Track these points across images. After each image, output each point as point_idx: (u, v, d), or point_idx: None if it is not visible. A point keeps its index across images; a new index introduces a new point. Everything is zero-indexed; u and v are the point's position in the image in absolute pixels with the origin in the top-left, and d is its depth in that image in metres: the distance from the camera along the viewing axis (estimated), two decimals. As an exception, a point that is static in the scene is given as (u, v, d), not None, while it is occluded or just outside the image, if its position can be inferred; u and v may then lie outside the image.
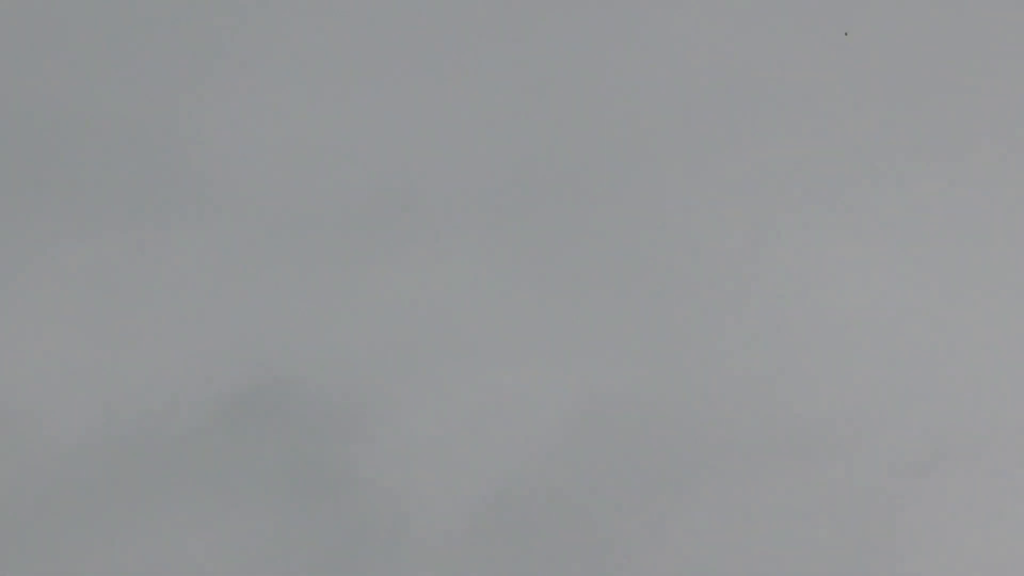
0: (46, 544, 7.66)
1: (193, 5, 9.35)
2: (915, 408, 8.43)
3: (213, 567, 7.49)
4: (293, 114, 9.17)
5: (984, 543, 7.79)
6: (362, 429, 8.18)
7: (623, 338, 8.53)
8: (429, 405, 8.29)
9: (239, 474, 7.95)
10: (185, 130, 9.00)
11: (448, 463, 8.02)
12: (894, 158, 9.05)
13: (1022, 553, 8.03)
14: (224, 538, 7.63)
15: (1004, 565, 7.93)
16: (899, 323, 8.50)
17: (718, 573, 7.69)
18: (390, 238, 8.75)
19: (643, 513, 7.90)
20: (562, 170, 8.99)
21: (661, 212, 8.73)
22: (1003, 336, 8.64)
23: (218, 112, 9.04)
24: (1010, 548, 7.77)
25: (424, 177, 8.94)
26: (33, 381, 8.69)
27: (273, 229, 8.65)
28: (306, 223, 8.70)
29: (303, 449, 8.08)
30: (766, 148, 9.00)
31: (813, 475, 8.05)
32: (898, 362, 8.41)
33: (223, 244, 8.61)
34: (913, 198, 8.93)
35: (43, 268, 8.79)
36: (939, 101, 9.65)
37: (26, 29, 9.76)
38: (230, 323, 8.63)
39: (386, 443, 8.14)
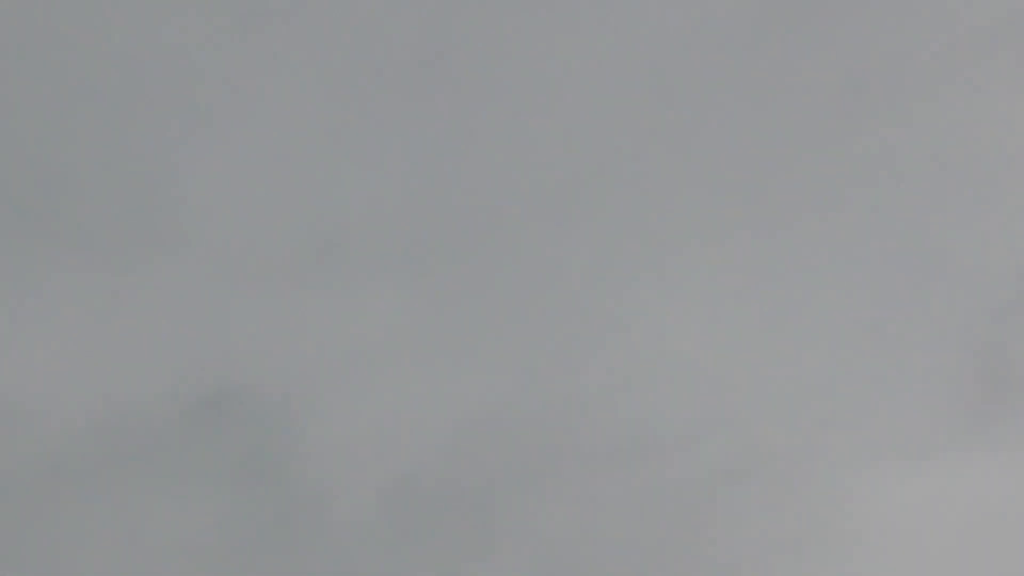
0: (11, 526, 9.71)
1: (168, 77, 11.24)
2: (735, 422, 10.60)
3: (164, 547, 9.59)
4: (248, 173, 11.17)
5: (794, 540, 9.90)
6: (294, 428, 10.29)
7: (506, 358, 10.63)
8: (348, 409, 10.35)
9: (194, 466, 10.12)
10: (161, 185, 11.05)
11: (361, 458, 10.11)
12: (726, 218, 11.10)
13: (824, 550, 10.18)
14: (176, 522, 9.73)
15: (810, 560, 10.08)
16: (724, 353, 10.60)
17: (574, 555, 9.89)
18: (321, 275, 10.84)
19: (516, 503, 10.04)
20: (461, 217, 11.02)
21: (542, 258, 10.78)
22: (811, 364, 10.78)
23: (187, 169, 11.02)
24: (815, 546, 9.86)
25: (350, 225, 11.02)
26: (26, 382, 10.77)
27: (230, 266, 10.68)
28: (255, 261, 10.77)
29: (247, 445, 10.21)
30: (628, 212, 11.07)
31: (650, 475, 10.23)
32: (722, 385, 10.53)
33: (188, 277, 10.64)
34: (742, 246, 11.01)
35: (41, 292, 10.85)
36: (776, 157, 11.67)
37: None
38: (193, 341, 10.74)
39: (312, 440, 10.26)
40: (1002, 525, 10.78)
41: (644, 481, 9.84)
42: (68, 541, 9.75)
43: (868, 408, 10.84)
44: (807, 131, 11.01)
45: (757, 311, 10.78)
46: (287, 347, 10.53)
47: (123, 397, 10.35)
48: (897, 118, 11.19)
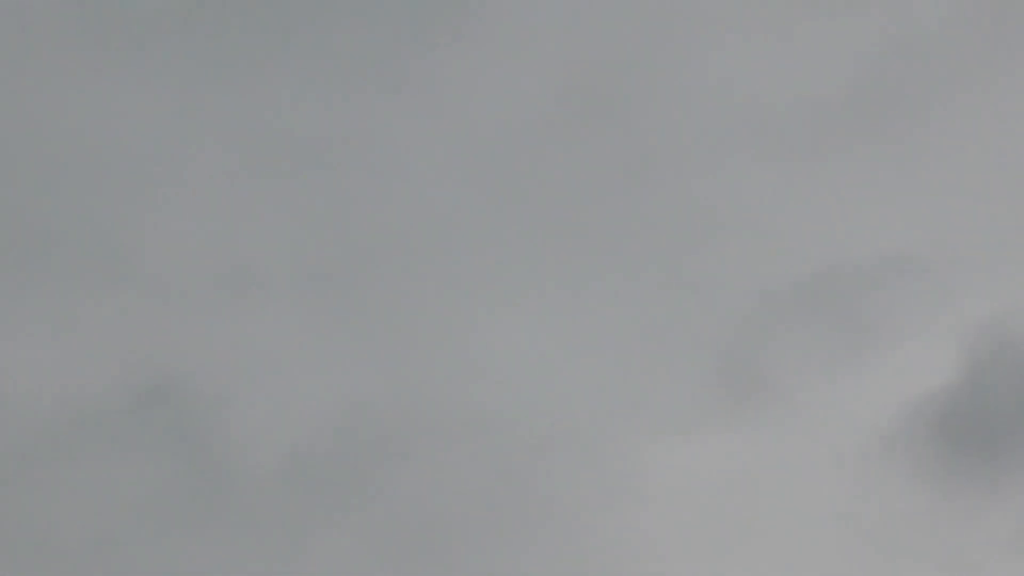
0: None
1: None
2: (546, 407, 14.24)
3: (116, 504, 13.10)
4: (180, 218, 14.60)
5: (591, 496, 13.78)
6: (215, 413, 13.68)
7: (375, 361, 14.12)
8: (255, 397, 13.63)
9: (138, 440, 13.55)
10: (116, 230, 14.57)
11: (266, 435, 13.49)
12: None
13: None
14: (126, 483, 13.13)
15: (605, 512, 13.92)
16: (539, 354, 14.22)
17: (426, 510, 13.59)
18: (237, 296, 14.30)
19: (382, 469, 13.56)
20: (343, 254, 14.59)
21: (405, 286, 14.32)
22: (603, 365, 14.45)
23: (136, 218, 14.53)
24: (608, 501, 13.76)
25: (260, 260, 14.58)
26: (7, 374, 14.11)
27: (168, 289, 14.11)
28: (187, 285, 14.20)
29: (179, 425, 13.55)
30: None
31: (482, 447, 13.81)
32: (537, 379, 14.13)
33: (136, 297, 14.04)
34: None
35: (24, 307, 14.17)
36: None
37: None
38: (139, 345, 14.13)
39: (229, 422, 13.63)
40: (741, 481, 14.65)
41: (477, 451, 13.40)
42: (38, 502, 13.14)
43: (644, 398, 14.56)
44: (600, 201, 14.84)
45: (565, 325, 14.41)
46: (211, 350, 13.89)
47: (85, 387, 13.66)
48: (666, 193, 15.02)
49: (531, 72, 16.14)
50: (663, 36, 16.64)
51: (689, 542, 14.18)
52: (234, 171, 14.68)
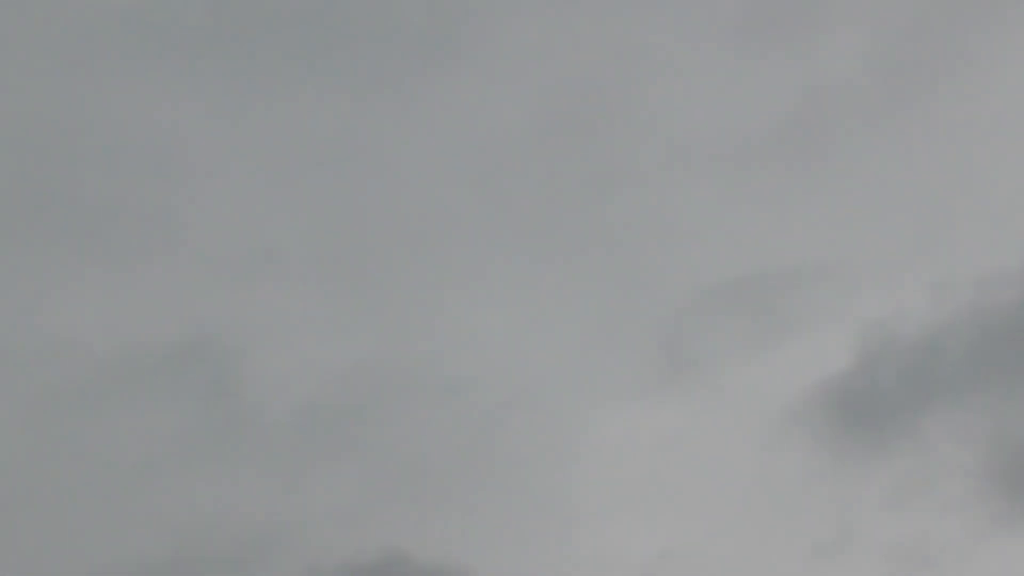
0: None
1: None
2: (511, 374, 17.01)
3: (154, 443, 16.09)
4: (216, 200, 17.75)
5: (545, 454, 16.75)
6: (241, 365, 16.51)
7: (376, 328, 17.02)
8: (277, 354, 16.53)
9: (175, 387, 16.50)
10: (159, 207, 17.78)
11: (285, 386, 16.34)
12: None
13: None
14: (162, 424, 16.11)
15: (557, 468, 16.96)
16: (508, 329, 17.14)
17: (410, 454, 16.48)
18: (263, 267, 17.33)
19: (376, 416, 16.32)
20: (356, 240, 17.71)
21: (403, 269, 17.32)
22: (561, 343, 17.33)
23: (176, 199, 17.76)
24: (560, 457, 16.74)
25: (287, 238, 17.81)
26: (67, 326, 17.14)
27: (202, 259, 17.21)
28: (219, 257, 17.20)
29: (211, 375, 16.42)
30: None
31: (457, 405, 16.60)
32: (503, 348, 17.02)
33: (175, 267, 17.08)
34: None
35: (84, 273, 17.22)
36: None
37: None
38: (177, 307, 17.07)
39: (253, 374, 16.44)
40: (671, 442, 17.48)
41: (452, 405, 16.25)
42: (97, 429, 16.10)
43: (594, 370, 17.31)
44: (568, 205, 18.05)
45: (532, 309, 17.22)
46: (240, 314, 16.78)
47: (136, 338, 16.58)
48: (623, 202, 18.20)
49: (516, 96, 19.67)
50: (627, 74, 20.07)
51: (625, 490, 16.98)
52: (265, 168, 17.94)
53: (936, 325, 18.32)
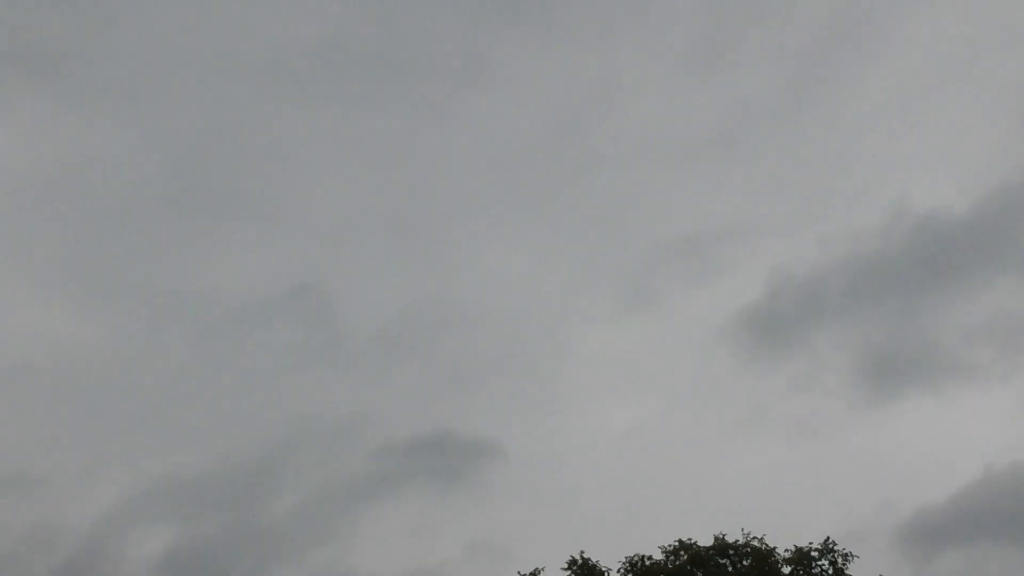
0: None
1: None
2: (520, 308, 24.71)
3: (266, 359, 23.67)
4: (318, 193, 25.38)
5: (538, 365, 24.50)
6: (336, 302, 23.97)
7: (430, 275, 24.69)
8: (362, 293, 24.03)
9: (286, 319, 24.03)
10: (276, 189, 25.43)
11: (367, 316, 23.71)
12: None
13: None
14: (277, 345, 23.47)
15: (542, 376, 24.42)
16: (516, 274, 24.70)
17: (444, 374, 24.05)
18: (348, 233, 24.90)
19: (425, 338, 23.86)
20: (423, 212, 25.22)
21: (449, 234, 24.87)
22: (554, 280, 25.10)
23: (284, 187, 25.27)
24: (548, 367, 24.47)
25: (364, 214, 25.25)
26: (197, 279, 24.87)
27: (306, 226, 24.62)
28: (318, 225, 24.74)
29: (312, 310, 23.81)
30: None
31: (476, 335, 24.33)
32: (513, 289, 24.62)
33: (288, 231, 24.64)
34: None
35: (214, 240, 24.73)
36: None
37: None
38: (287, 261, 24.65)
39: (345, 308, 23.83)
40: (634, 353, 25.18)
41: (482, 328, 23.72)
42: (230, 351, 23.32)
43: (578, 300, 25.18)
44: (564, 185, 25.82)
45: (537, 257, 24.76)
46: (332, 265, 24.09)
47: (256, 285, 23.85)
48: (604, 182, 25.74)
49: (523, 111, 28.96)
50: (603, 93, 29.12)
51: (603, 384, 24.81)
52: (351, 164, 25.57)
53: (821, 267, 26.96)
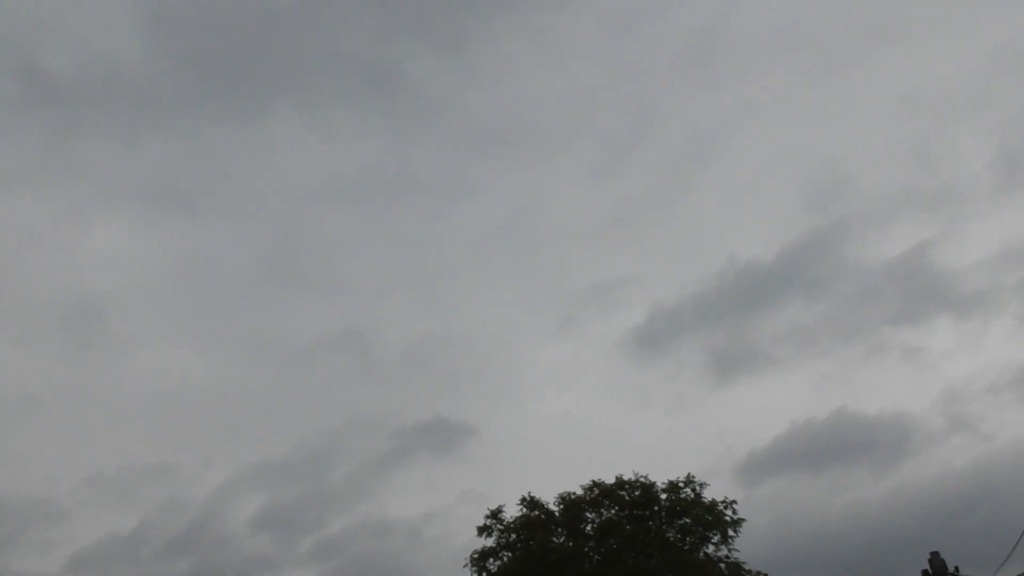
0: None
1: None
2: (486, 326, 37.56)
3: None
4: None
5: (492, 376, 37.90)
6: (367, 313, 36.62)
7: (438, 307, 36.79)
8: (396, 312, 36.11)
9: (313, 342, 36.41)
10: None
11: (397, 331, 37.03)
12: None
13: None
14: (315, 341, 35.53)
15: (500, 387, 36.72)
16: (484, 292, 36.63)
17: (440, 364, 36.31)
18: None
19: (437, 352, 35.48)
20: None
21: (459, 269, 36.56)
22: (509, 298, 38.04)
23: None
24: (505, 376, 38.00)
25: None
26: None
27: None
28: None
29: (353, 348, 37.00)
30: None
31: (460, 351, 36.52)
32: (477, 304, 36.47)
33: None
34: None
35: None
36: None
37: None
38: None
39: (375, 323, 36.62)
40: (568, 362, 39.37)
41: (466, 347, 36.40)
42: (303, 380, 35.39)
43: (529, 327, 38.98)
44: (516, 256, 40.05)
45: (501, 299, 37.09)
46: (369, 312, 38.36)
47: (318, 330, 36.49)
48: (544, 254, 39.62)
49: (487, 220, 49.84)
50: (545, 200, 48.32)
51: (545, 384, 39.54)
52: (379, 246, 40.52)
53: (682, 300, 44.45)
